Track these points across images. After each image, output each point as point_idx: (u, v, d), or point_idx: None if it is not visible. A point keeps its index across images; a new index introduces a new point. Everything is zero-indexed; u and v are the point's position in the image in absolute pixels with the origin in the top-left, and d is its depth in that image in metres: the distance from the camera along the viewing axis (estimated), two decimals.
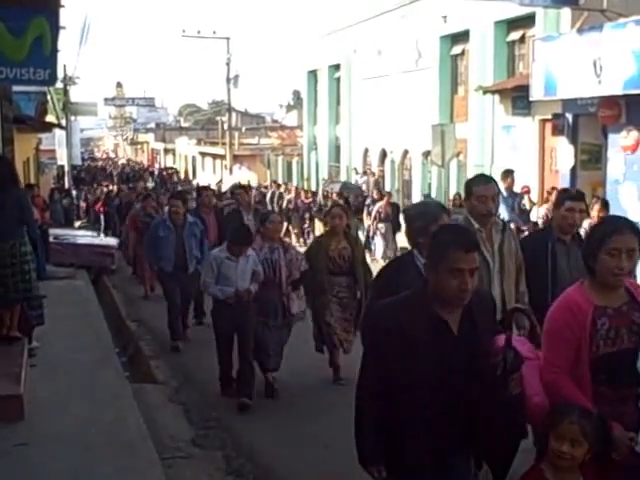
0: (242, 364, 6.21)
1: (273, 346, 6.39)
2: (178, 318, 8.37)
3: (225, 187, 27.78)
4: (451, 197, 15.77)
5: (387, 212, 15.20)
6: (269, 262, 6.39)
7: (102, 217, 21.29)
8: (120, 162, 57.07)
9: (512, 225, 10.29)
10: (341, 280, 6.69)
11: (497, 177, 16.70)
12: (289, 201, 19.69)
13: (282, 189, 22.18)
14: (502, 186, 10.77)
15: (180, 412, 5.95)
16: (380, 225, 15.16)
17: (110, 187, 27.10)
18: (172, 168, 45.21)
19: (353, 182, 22.72)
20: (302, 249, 8.32)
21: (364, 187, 21.25)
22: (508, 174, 11.77)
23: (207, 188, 11.76)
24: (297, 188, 22.36)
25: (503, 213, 10.17)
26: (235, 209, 10.09)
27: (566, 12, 14.31)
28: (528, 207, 12.59)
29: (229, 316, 6.19)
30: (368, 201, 16.52)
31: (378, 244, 15.16)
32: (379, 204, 15.50)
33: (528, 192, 13.28)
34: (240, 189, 11.11)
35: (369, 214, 15.87)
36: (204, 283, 6.37)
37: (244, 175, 33.74)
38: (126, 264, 13.83)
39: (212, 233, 9.15)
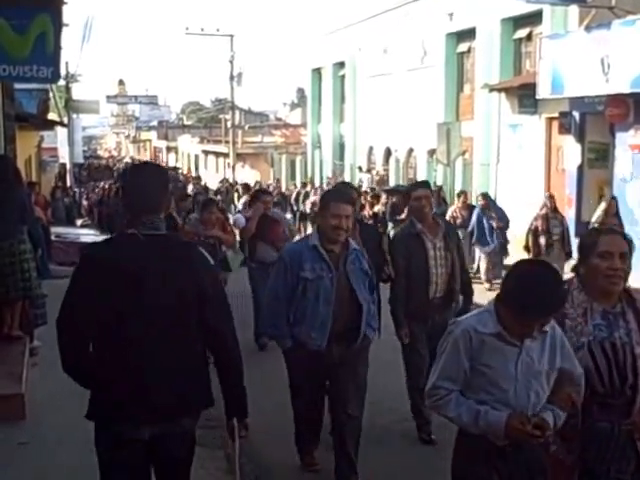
0: None
1: None
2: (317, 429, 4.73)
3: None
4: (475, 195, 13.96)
5: (463, 216, 12.29)
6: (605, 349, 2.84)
7: (96, 216, 21.03)
8: (125, 160, 57.05)
9: None
10: None
11: (502, 176, 16.82)
12: (314, 203, 18.09)
13: (308, 188, 21.43)
14: None
15: None
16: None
17: (108, 185, 26.81)
18: (175, 167, 45.16)
19: (357, 180, 22.62)
20: None
21: (365, 185, 21.09)
22: None
23: (267, 192, 9.69)
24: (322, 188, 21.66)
25: None
26: None
27: (574, 9, 14.22)
28: None
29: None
30: None
31: None
32: (453, 207, 12.67)
33: None
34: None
35: None
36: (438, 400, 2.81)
37: (247, 174, 33.70)
38: None
39: None
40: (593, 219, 10.40)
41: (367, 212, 14.37)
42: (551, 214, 11.21)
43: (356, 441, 4.39)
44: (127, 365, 2.69)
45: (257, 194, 8.75)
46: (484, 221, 11.76)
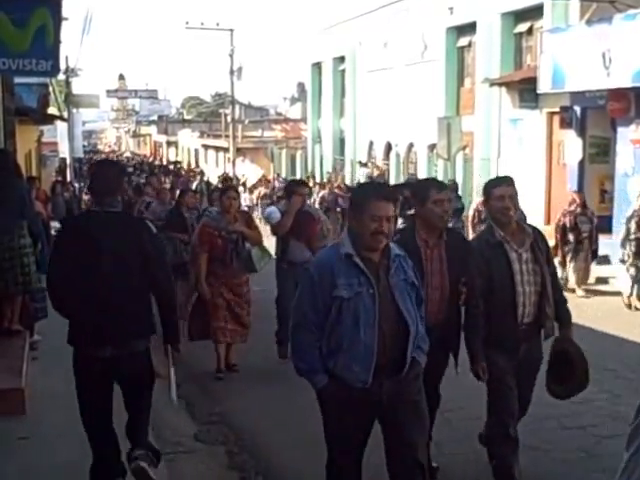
0: None
1: None
2: None
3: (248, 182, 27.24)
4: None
5: None
6: None
7: None
8: (125, 155, 57.00)
9: None
10: None
11: (503, 171, 16.79)
12: (323, 198, 17.71)
13: (311, 183, 20.77)
14: None
15: (182, 407, 5.89)
16: (481, 227, 11.37)
17: None
18: (176, 162, 45.13)
19: (357, 175, 22.59)
20: None
21: (363, 179, 21.01)
22: None
23: (303, 183, 8.16)
24: (331, 181, 21.18)
25: None
26: None
27: (575, 3, 14.20)
28: None
29: None
30: None
31: None
32: (477, 201, 11.82)
33: None
34: None
35: None
36: None
37: (247, 168, 33.66)
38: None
39: None
40: (628, 213, 10.00)
41: None
42: (580, 210, 10.68)
43: None
44: (92, 303, 3.73)
45: (291, 186, 7.62)
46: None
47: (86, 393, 3.82)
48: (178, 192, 10.89)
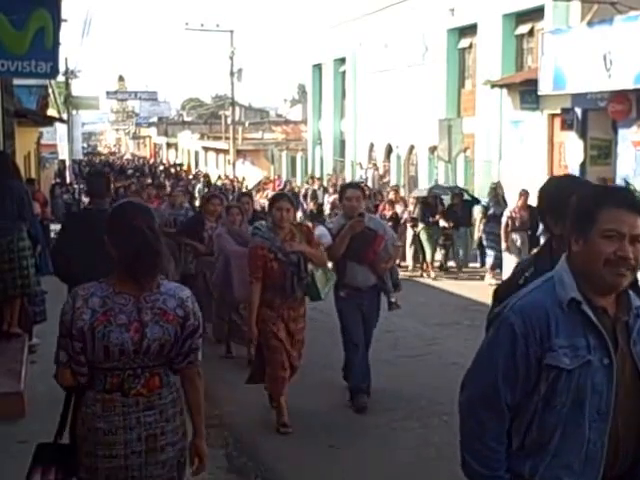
0: None
1: None
2: None
3: (250, 184, 27.07)
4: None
5: (523, 217, 10.90)
6: None
7: None
8: (125, 157, 57.03)
9: None
10: None
11: (504, 173, 16.78)
12: (334, 204, 15.71)
13: (316, 186, 20.68)
14: None
15: None
16: (515, 236, 10.90)
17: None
18: (176, 164, 45.12)
19: (357, 177, 22.55)
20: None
21: (369, 182, 21.00)
22: None
23: (357, 185, 6.57)
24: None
25: None
26: None
27: (576, 5, 14.19)
28: None
29: None
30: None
31: (508, 263, 10.44)
32: (511, 207, 11.26)
33: None
34: None
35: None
36: None
37: (247, 170, 33.65)
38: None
39: None
40: None
41: (387, 213, 13.63)
42: None
43: None
44: (84, 271, 4.82)
45: (341, 190, 6.26)
46: None
47: None
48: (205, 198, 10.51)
